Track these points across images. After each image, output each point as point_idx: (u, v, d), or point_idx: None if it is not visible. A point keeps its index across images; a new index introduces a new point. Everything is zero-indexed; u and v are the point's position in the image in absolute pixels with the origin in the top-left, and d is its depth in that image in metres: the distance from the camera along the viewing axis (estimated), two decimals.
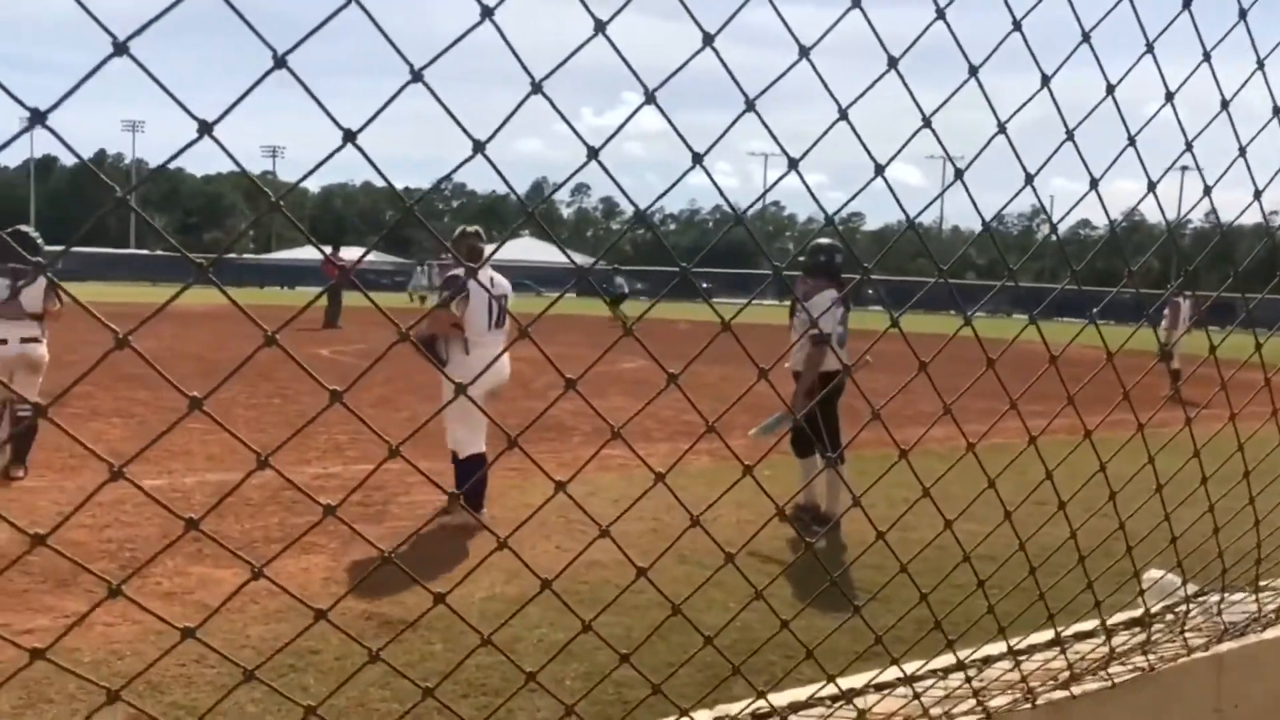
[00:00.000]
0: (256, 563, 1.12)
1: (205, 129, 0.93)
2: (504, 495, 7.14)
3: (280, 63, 0.96)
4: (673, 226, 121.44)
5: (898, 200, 1.54)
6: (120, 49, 0.88)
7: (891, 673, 1.86)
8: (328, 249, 29.33)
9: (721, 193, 1.36)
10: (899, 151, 1.42)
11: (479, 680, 4.29)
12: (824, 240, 7.66)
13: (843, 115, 1.33)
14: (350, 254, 31.21)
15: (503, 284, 7.34)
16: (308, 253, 58.76)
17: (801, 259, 7.47)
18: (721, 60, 1.23)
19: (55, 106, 0.89)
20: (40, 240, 8.69)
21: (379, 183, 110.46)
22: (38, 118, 0.88)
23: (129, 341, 0.94)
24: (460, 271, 7.55)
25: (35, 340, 8.33)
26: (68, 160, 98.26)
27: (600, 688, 2.79)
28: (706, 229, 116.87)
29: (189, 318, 23.47)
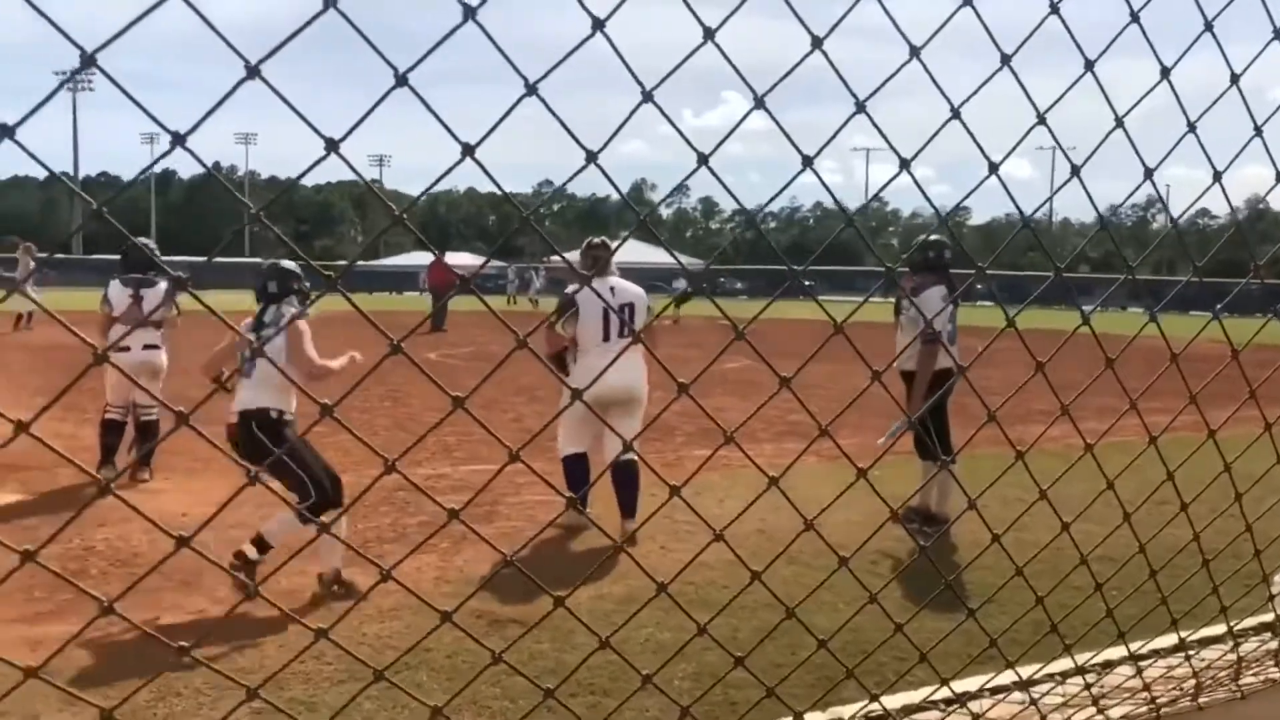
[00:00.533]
0: (375, 563, 1.15)
1: (332, 146, 0.96)
2: (611, 497, 7.18)
3: (402, 80, 0.99)
4: (773, 224, 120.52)
5: (1011, 196, 1.51)
6: (253, 72, 0.91)
7: (1007, 677, 1.82)
8: (444, 256, 29.92)
9: (833, 195, 1.35)
10: (1014, 149, 1.39)
11: (587, 680, 4.32)
12: (933, 237, 7.52)
13: (955, 114, 1.30)
14: (454, 259, 31.77)
15: (628, 292, 7.21)
16: (413, 259, 59.94)
17: (906, 255, 7.36)
18: (832, 64, 1.22)
19: (193, 130, 0.93)
20: (158, 252, 9.05)
21: (482, 189, 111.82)
22: (178, 140, 0.92)
23: (263, 351, 0.97)
24: (571, 288, 7.64)
25: (155, 347, 8.66)
26: (185, 174, 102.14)
27: (709, 695, 2.78)
28: (807, 226, 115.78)
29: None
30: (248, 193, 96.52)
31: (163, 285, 8.77)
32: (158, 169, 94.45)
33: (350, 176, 1.17)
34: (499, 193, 1.23)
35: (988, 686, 1.81)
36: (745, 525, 6.76)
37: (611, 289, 7.07)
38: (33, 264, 26.30)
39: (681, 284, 36.12)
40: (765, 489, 1.35)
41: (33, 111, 0.95)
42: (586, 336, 6.98)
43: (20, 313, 22.56)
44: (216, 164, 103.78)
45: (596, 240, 7.52)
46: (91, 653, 4.71)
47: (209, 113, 0.96)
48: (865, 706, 1.78)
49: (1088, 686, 1.82)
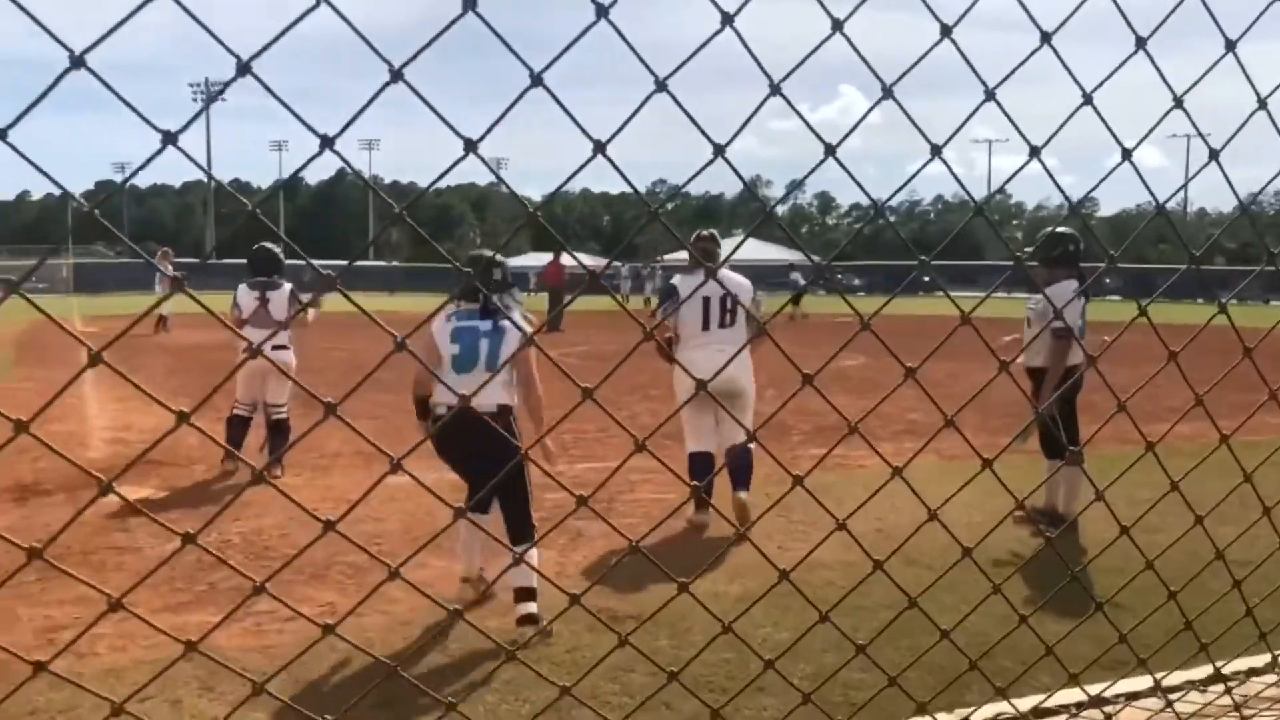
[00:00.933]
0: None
1: (471, 146, 0.99)
2: (724, 494, 7.16)
3: (537, 80, 1.01)
4: (892, 218, 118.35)
5: (1145, 183, 1.46)
6: (396, 76, 0.94)
7: (1140, 681, 1.76)
8: (559, 256, 30.30)
9: (960, 183, 1.32)
10: (1151, 131, 1.34)
11: (705, 676, 4.33)
12: (1063, 229, 7.27)
13: (1087, 100, 1.27)
14: (569, 260, 32.07)
15: (732, 282, 7.19)
16: (527, 260, 60.73)
17: (1031, 249, 7.14)
18: (961, 53, 1.21)
19: (341, 132, 0.97)
20: (283, 256, 9.36)
21: (595, 188, 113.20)
22: (326, 143, 0.96)
23: (406, 344, 1.00)
24: (675, 279, 7.75)
25: (283, 348, 8.96)
26: (313, 180, 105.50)
27: (828, 688, 2.76)
28: (927, 220, 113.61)
29: (410, 320, 24.67)
30: (370, 198, 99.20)
31: (287, 288, 9.07)
32: (285, 174, 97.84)
33: (469, 179, 1.21)
34: (615, 192, 1.24)
35: (1121, 691, 1.75)
36: (864, 525, 6.66)
37: (716, 280, 6.88)
38: (170, 269, 27.47)
39: (798, 278, 35.79)
40: (888, 479, 1.33)
41: (24, 113, 0.98)
42: (686, 326, 7.04)
43: (160, 315, 23.54)
44: (340, 171, 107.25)
45: (705, 233, 7.55)
46: (228, 638, 4.91)
47: (356, 115, 0.99)
48: (987, 703, 1.74)
49: (1228, 691, 1.75)
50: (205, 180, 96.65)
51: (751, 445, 6.70)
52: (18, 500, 7.84)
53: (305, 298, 9.12)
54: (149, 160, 0.99)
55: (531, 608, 5.08)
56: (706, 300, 6.98)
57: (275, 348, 8.91)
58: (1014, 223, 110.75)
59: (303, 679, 4.43)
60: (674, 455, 7.21)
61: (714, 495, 7.17)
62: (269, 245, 9.41)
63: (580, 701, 1.58)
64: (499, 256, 5.76)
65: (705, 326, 7.02)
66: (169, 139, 0.96)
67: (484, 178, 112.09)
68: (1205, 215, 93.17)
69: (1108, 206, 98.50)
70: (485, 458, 4.83)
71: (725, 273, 7.20)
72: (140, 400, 12.86)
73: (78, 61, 0.93)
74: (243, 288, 9.11)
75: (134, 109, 1.00)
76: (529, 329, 5.26)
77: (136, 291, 40.55)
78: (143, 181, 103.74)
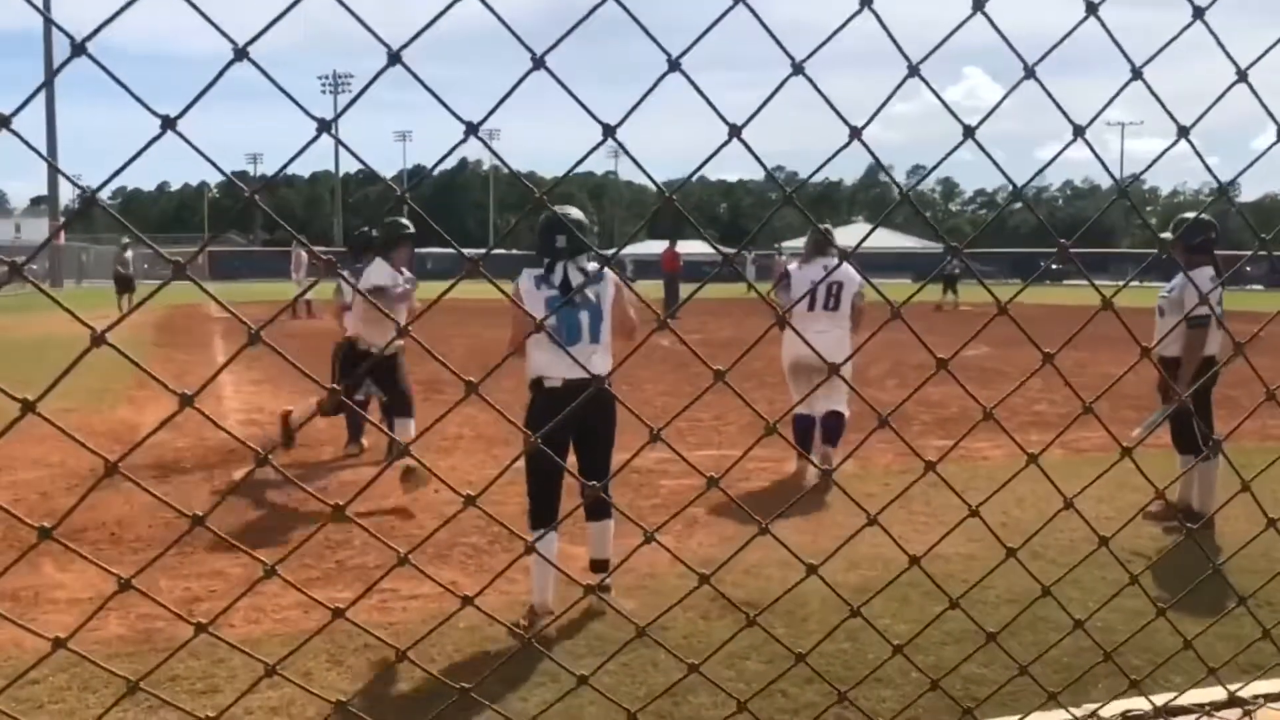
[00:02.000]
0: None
1: (609, 132, 1.00)
2: (847, 484, 7.10)
3: (674, 65, 1.01)
4: (1017, 205, 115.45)
5: None
6: (538, 63, 0.96)
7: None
8: (675, 245, 30.33)
9: (1104, 164, 1.29)
10: None
11: (822, 666, 4.30)
12: (1204, 216, 6.99)
13: (1242, 76, 1.22)
14: (685, 247, 31.98)
15: (839, 272, 8.04)
16: (644, 248, 60.80)
17: (1169, 235, 6.86)
18: (1107, 29, 1.17)
19: (485, 120, 0.99)
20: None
21: (713, 176, 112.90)
22: (471, 130, 0.98)
23: (545, 326, 1.02)
24: (792, 266, 8.63)
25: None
26: (436, 170, 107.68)
27: (947, 682, 2.71)
28: (1055, 206, 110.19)
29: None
30: (492, 186, 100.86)
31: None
32: (409, 164, 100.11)
33: (586, 168, 1.21)
34: (732, 179, 1.24)
35: (1260, 693, 1.69)
36: (989, 517, 6.53)
37: (824, 268, 8.04)
38: (305, 256, 28.32)
39: (955, 267, 34.99)
40: (1024, 466, 1.31)
41: (192, 103, 1.01)
42: (796, 306, 7.94)
43: (306, 300, 24.02)
44: (463, 160, 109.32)
45: (822, 226, 7.99)
46: (354, 613, 5.07)
47: (501, 100, 1.01)
48: (1117, 699, 1.69)
49: None
50: (333, 171, 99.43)
51: (844, 412, 8.14)
52: (159, 478, 8.23)
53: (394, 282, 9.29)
54: (306, 147, 1.03)
55: (606, 580, 5.24)
56: (814, 285, 7.91)
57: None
58: (1148, 209, 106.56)
59: (430, 652, 4.55)
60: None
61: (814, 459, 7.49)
62: (366, 229, 9.54)
63: (707, 679, 1.58)
64: (575, 214, 5.35)
65: (810, 308, 8.03)
66: (324, 126, 1.00)
67: (601, 166, 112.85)
68: None
69: (1250, 191, 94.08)
70: (590, 431, 5.13)
71: (830, 262, 8.16)
72: (271, 384, 13.37)
73: (241, 53, 0.97)
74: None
75: (293, 98, 1.05)
76: (615, 283, 5.25)
77: (269, 279, 41.99)
78: (273, 171, 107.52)
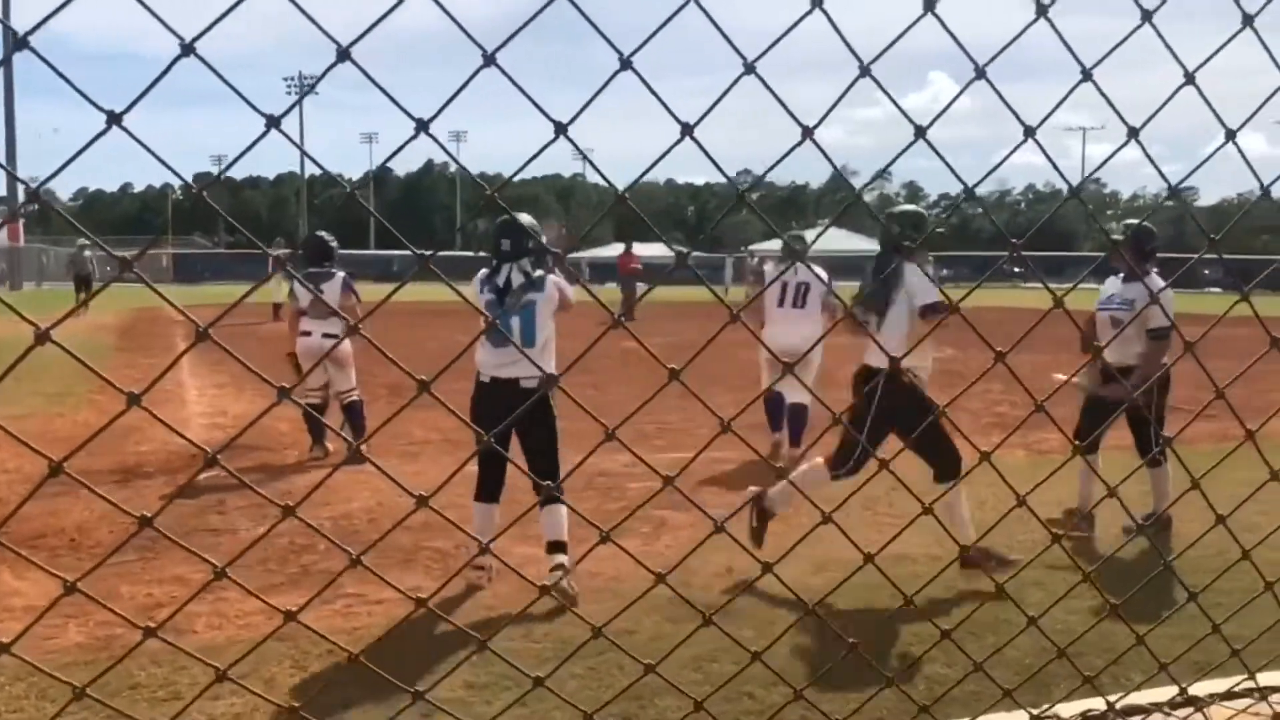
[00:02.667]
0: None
1: (561, 130, 1.00)
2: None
3: (626, 64, 1.01)
4: (980, 208, 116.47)
5: (1251, 167, 1.41)
6: (489, 60, 0.96)
7: (1232, 681, 1.71)
8: (632, 247, 30.39)
9: (1055, 165, 1.30)
10: (1251, 116, 1.30)
11: (790, 670, 4.31)
12: (1144, 223, 7.13)
13: (1189, 80, 1.23)
14: (642, 250, 32.17)
15: (807, 273, 9.08)
16: (606, 251, 60.66)
17: (1118, 239, 6.89)
18: (1057, 31, 1.18)
19: (434, 116, 0.98)
20: (335, 245, 9.52)
21: (681, 179, 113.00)
22: (421, 126, 0.97)
23: (498, 324, 1.02)
24: (766, 266, 10.41)
25: (334, 336, 9.10)
26: (401, 171, 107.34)
27: (911, 684, 2.73)
28: (1018, 210, 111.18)
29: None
30: (458, 189, 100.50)
31: (340, 276, 9.23)
32: (374, 166, 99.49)
33: (554, 170, 1.21)
34: (699, 183, 1.25)
35: (1215, 691, 1.70)
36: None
37: (794, 269, 9.10)
38: (283, 258, 27.88)
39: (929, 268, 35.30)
40: (975, 464, 1.31)
41: (138, 99, 0.99)
42: (768, 303, 9.25)
43: (276, 303, 23.87)
44: (429, 161, 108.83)
45: (794, 233, 9.34)
46: (318, 619, 5.04)
47: (450, 100, 1.01)
48: (1075, 697, 1.71)
49: None
50: (298, 172, 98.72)
51: (807, 403, 9.05)
52: (120, 483, 8.13)
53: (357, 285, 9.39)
54: (254, 143, 1.03)
55: (562, 559, 5.46)
56: (785, 285, 9.17)
57: (325, 335, 9.08)
58: (1109, 212, 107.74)
59: (392, 657, 4.52)
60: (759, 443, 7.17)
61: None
62: (322, 234, 9.59)
63: (665, 679, 1.58)
64: (525, 220, 5.55)
65: (780, 304, 9.20)
66: (272, 122, 0.99)
67: (569, 169, 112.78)
68: None
69: (1207, 195, 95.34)
70: (520, 427, 5.43)
71: (803, 264, 8.78)
72: (235, 387, 13.25)
73: (187, 49, 0.95)
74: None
75: (239, 93, 1.04)
76: (558, 288, 5.60)
77: (233, 281, 41.58)
78: (238, 174, 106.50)
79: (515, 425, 5.43)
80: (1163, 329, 6.25)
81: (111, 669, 1.41)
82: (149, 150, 1.01)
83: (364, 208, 1.17)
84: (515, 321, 5.49)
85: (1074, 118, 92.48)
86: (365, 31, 0.96)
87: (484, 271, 5.62)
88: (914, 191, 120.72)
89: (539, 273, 5.57)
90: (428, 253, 1.13)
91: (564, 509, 5.50)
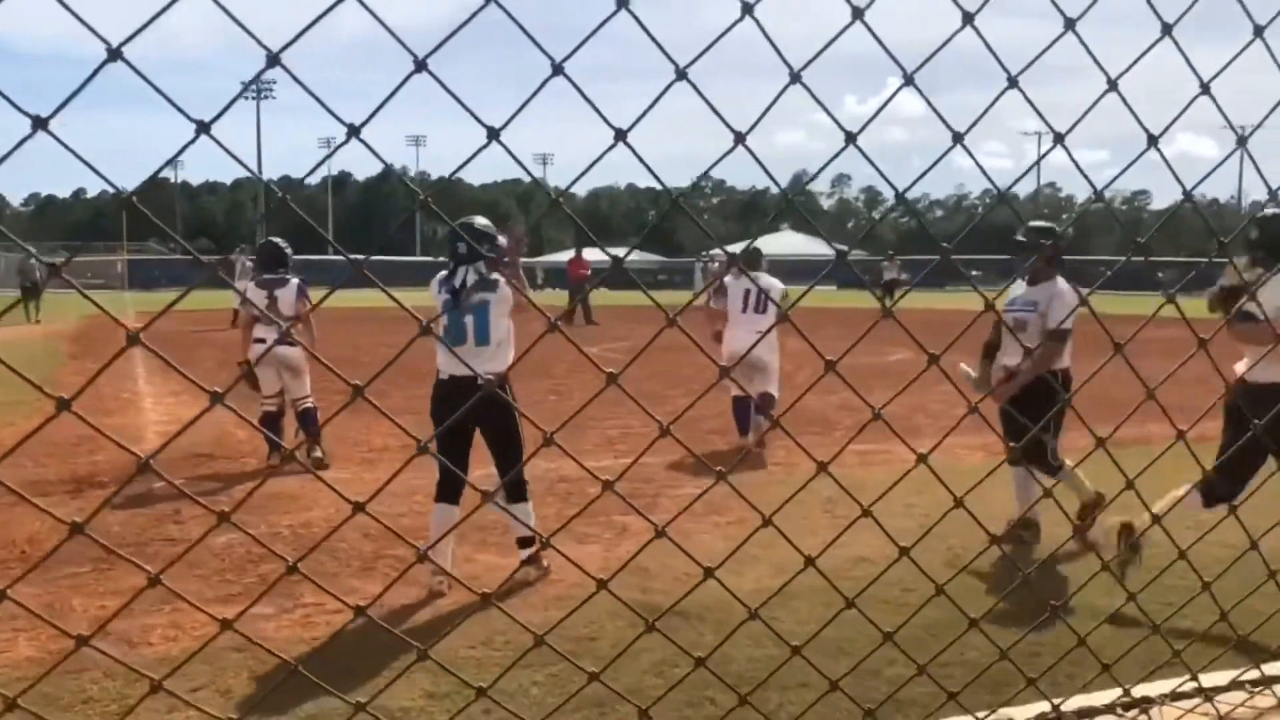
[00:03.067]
0: (539, 552, 1.19)
1: (493, 135, 0.99)
2: (766, 488, 7.15)
3: (558, 69, 1.01)
4: (939, 213, 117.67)
5: (1170, 167, 1.44)
6: (420, 66, 0.95)
7: (1176, 681, 1.73)
8: (582, 252, 30.26)
9: (983, 170, 1.32)
10: (1173, 121, 1.33)
11: (749, 673, 4.32)
12: (1042, 224, 7.37)
13: (1112, 86, 1.25)
14: (592, 255, 32.20)
15: (766, 282, 9.70)
16: (559, 256, 60.54)
17: (1023, 239, 6.76)
18: (984, 40, 1.19)
19: (366, 122, 0.98)
20: (289, 251, 9.46)
21: (642, 184, 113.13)
22: (353, 131, 0.97)
23: (432, 329, 1.01)
24: (727, 278, 10.31)
25: (289, 343, 9.03)
26: (361, 176, 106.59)
27: (872, 685, 2.74)
28: (975, 214, 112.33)
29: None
30: (421, 194, 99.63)
31: (295, 283, 9.17)
32: (335, 170, 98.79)
33: (514, 175, 1.21)
34: (658, 186, 1.25)
35: (1164, 692, 1.73)
36: (907, 521, 6.59)
37: (754, 278, 9.56)
38: (249, 264, 27.86)
39: (892, 272, 35.52)
40: (913, 466, 1.33)
41: (63, 104, 0.98)
42: (732, 309, 9.87)
43: (236, 309, 23.60)
44: (388, 166, 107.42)
45: (753, 245, 9.69)
46: (276, 629, 4.99)
47: (380, 105, 1.00)
48: (1021, 702, 1.72)
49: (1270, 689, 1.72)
50: (255, 176, 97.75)
51: (775, 392, 9.67)
52: (73, 493, 8.00)
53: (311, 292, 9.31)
54: (183, 149, 1.02)
55: (530, 553, 5.65)
56: (746, 293, 9.76)
57: (282, 343, 8.98)
58: (1064, 216, 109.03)
59: (343, 667, 4.48)
60: (715, 445, 7.19)
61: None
62: (276, 240, 9.51)
63: (607, 686, 1.58)
64: (480, 223, 5.92)
65: (744, 310, 9.78)
66: (202, 128, 0.98)
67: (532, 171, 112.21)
68: (1260, 207, 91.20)
69: (1160, 199, 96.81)
70: (486, 424, 5.58)
71: (764, 276, 9.90)
72: (190, 395, 13.09)
73: (114, 54, 0.94)
74: (251, 285, 9.33)
75: (167, 98, 1.02)
76: (509, 291, 5.66)
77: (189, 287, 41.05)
78: (195, 179, 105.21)
79: (479, 425, 5.62)
80: (1061, 332, 6.13)
81: (42, 679, 1.38)
82: (76, 155, 1.00)
83: (298, 213, 1.15)
84: (469, 320, 5.63)
85: (1032, 123, 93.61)
86: (295, 38, 0.96)
87: (442, 273, 5.79)
88: (873, 196, 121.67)
89: (494, 275, 5.68)
90: (359, 257, 1.12)
91: (529, 505, 5.70)
